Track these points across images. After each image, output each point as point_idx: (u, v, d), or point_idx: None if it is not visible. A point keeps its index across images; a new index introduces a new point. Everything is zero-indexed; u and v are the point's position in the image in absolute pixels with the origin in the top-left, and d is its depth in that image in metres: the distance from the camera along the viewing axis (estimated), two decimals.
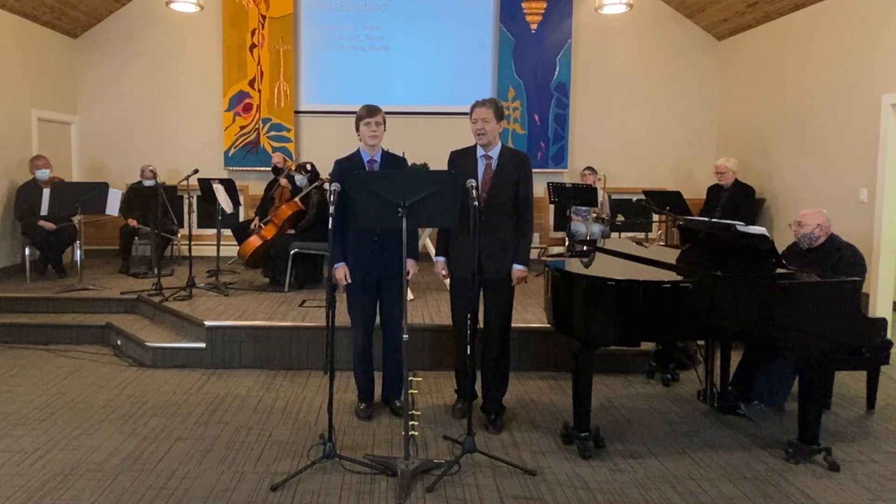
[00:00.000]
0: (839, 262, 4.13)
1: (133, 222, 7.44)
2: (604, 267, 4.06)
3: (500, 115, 3.84)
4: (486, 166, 3.89)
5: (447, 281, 4.12)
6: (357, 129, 3.94)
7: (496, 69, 8.81)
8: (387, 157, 4.05)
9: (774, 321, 3.56)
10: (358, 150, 4.00)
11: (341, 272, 3.93)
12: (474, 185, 3.50)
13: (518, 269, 3.88)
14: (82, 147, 8.85)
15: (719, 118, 8.93)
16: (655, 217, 8.01)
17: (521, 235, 3.90)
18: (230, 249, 7.65)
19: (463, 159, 3.95)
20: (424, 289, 6.45)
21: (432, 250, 4.38)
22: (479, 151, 3.92)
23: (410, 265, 3.99)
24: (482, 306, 4.01)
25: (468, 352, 3.67)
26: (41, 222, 6.84)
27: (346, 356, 4.92)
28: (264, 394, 4.62)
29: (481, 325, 4.03)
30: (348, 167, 3.89)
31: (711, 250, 4.11)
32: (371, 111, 3.86)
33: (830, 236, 4.23)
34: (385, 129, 3.96)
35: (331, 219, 3.42)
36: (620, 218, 7.96)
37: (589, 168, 8.13)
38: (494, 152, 3.90)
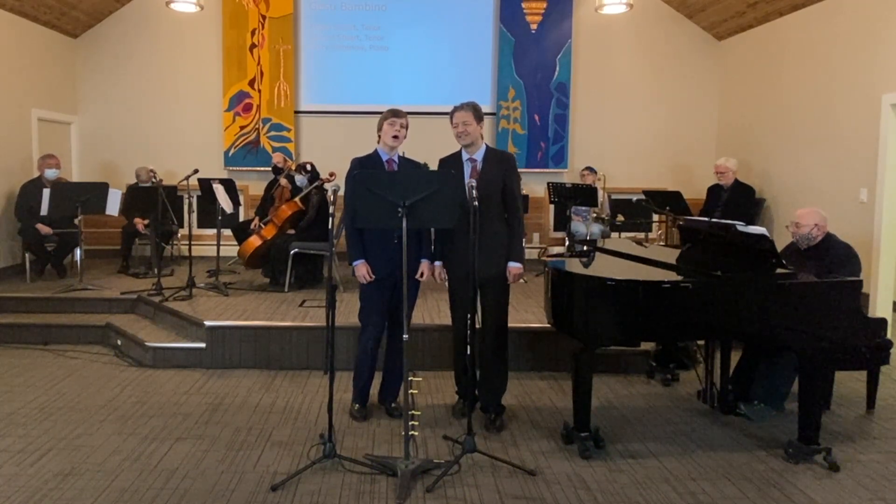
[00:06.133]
0: (833, 260, 4.13)
1: (140, 225, 7.41)
2: (604, 267, 4.06)
3: (479, 117, 3.92)
4: (471, 169, 3.94)
5: (446, 283, 4.12)
6: (379, 128, 3.97)
7: (496, 69, 8.81)
8: (404, 161, 4.10)
9: (774, 321, 3.56)
10: (376, 150, 4.02)
11: (362, 269, 3.92)
12: (474, 185, 3.52)
13: (513, 266, 3.91)
14: (82, 147, 8.85)
15: (719, 118, 8.93)
16: (655, 217, 8.01)
17: (513, 233, 3.93)
18: (230, 249, 7.65)
19: (450, 165, 4.00)
20: (424, 288, 6.44)
21: None
22: (465, 155, 3.97)
23: (424, 266, 4.01)
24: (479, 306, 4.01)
25: (468, 352, 3.68)
26: (38, 225, 6.83)
27: (346, 356, 4.94)
28: (264, 394, 4.62)
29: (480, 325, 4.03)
30: (367, 165, 3.92)
31: (711, 250, 4.11)
32: (397, 113, 3.93)
33: (827, 235, 4.24)
34: (406, 136, 3.99)
35: (334, 217, 3.42)
36: (620, 218, 7.95)
37: (588, 168, 8.14)
38: (479, 154, 3.94)
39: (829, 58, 6.70)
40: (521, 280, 7.01)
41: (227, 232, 7.36)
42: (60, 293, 6.32)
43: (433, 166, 6.97)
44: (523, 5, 8.68)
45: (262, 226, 6.75)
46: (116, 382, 4.83)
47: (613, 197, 8.25)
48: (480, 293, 3.92)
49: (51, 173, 7.02)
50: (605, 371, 4.99)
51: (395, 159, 4.01)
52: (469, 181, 3.71)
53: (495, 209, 3.88)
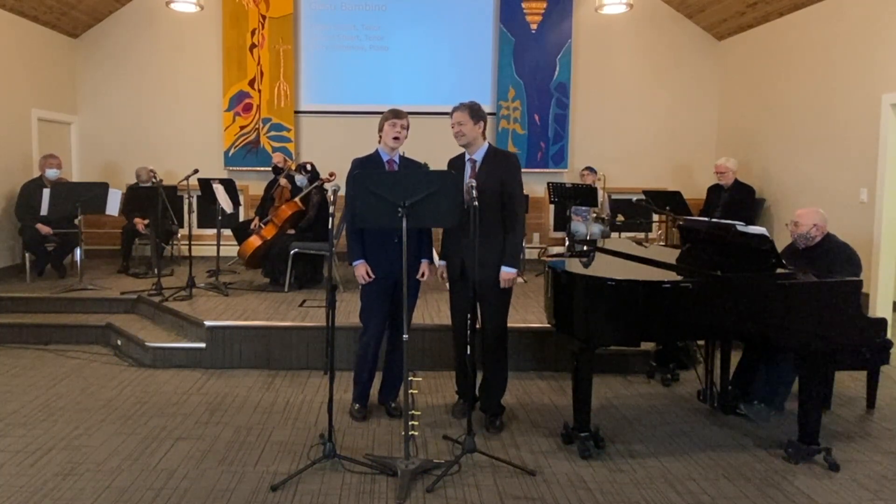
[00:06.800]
0: (833, 261, 4.13)
1: (140, 226, 7.41)
2: (604, 267, 4.06)
3: (476, 117, 3.87)
4: (471, 169, 3.92)
5: (448, 284, 4.11)
6: (380, 128, 3.96)
7: (496, 69, 8.81)
8: (404, 160, 4.10)
9: (774, 321, 3.56)
10: (377, 150, 4.02)
11: (362, 269, 3.92)
12: (474, 184, 3.52)
13: (505, 271, 3.83)
14: (82, 147, 8.85)
15: (719, 118, 8.93)
16: (655, 217, 8.01)
17: (508, 237, 3.86)
18: (230, 249, 7.65)
19: (456, 165, 4.00)
20: (424, 289, 6.43)
21: (435, 255, 4.39)
22: (466, 155, 3.96)
23: (425, 266, 4.01)
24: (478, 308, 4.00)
25: (468, 352, 3.68)
26: (38, 225, 6.83)
27: (347, 356, 4.94)
28: (264, 394, 4.62)
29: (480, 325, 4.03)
30: (368, 165, 3.92)
31: (711, 250, 4.11)
32: (398, 114, 3.92)
33: (826, 235, 4.24)
34: (407, 137, 3.98)
35: (334, 217, 3.42)
36: (620, 218, 7.96)
37: (588, 168, 8.13)
38: (479, 154, 3.92)
39: (829, 58, 6.70)
40: (521, 280, 7.01)
41: (227, 232, 7.36)
42: (60, 293, 6.32)
43: (434, 166, 7.00)
44: (523, 5, 8.68)
45: (262, 226, 6.75)
46: (116, 382, 4.83)
47: (613, 197, 8.25)
48: (479, 295, 3.91)
49: (52, 173, 7.03)
50: (605, 371, 4.99)
51: (396, 159, 4.01)
52: (469, 181, 3.70)
53: (493, 210, 3.84)
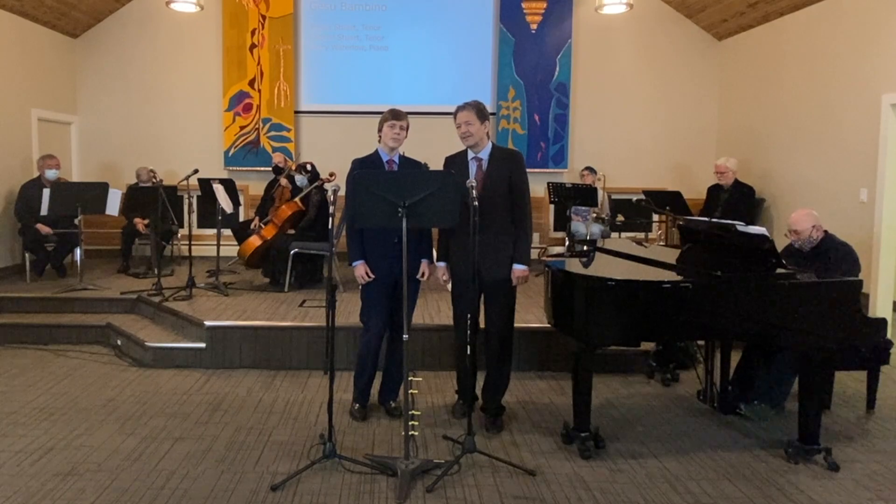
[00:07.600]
0: (833, 260, 4.13)
1: (140, 226, 7.41)
2: (604, 267, 4.06)
3: (482, 116, 3.86)
4: (476, 168, 3.90)
5: (449, 285, 4.10)
6: (380, 129, 3.97)
7: (496, 69, 8.81)
8: (404, 160, 4.10)
9: (774, 321, 3.56)
10: (377, 151, 4.02)
11: (361, 269, 3.92)
12: (474, 184, 3.51)
13: (518, 269, 3.85)
14: (82, 147, 8.85)
15: (719, 118, 8.93)
16: (655, 217, 8.01)
17: (519, 234, 3.86)
18: (230, 249, 7.65)
19: (455, 163, 3.97)
20: (424, 288, 6.44)
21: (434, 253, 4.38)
22: (470, 154, 3.93)
23: (425, 266, 4.01)
24: (483, 307, 4.00)
25: (468, 352, 3.68)
26: (38, 225, 6.83)
27: (347, 356, 4.94)
28: (264, 394, 4.62)
29: (482, 325, 4.03)
30: (368, 165, 3.93)
31: (711, 250, 4.11)
32: (397, 115, 3.91)
33: (826, 235, 4.24)
34: (406, 137, 3.98)
35: (334, 217, 3.42)
36: (620, 218, 7.96)
37: (588, 168, 8.14)
38: (484, 153, 3.90)
39: (829, 58, 6.70)
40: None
41: (227, 232, 7.35)
42: (60, 293, 6.31)
43: (433, 166, 6.99)
44: (523, 5, 8.68)
45: (262, 226, 6.76)
46: (116, 382, 4.83)
47: (613, 197, 8.25)
48: (486, 295, 3.91)
49: (51, 174, 7.02)
50: (605, 371, 4.99)
51: (396, 159, 4.01)
52: (469, 181, 3.69)
53: (501, 209, 3.83)
